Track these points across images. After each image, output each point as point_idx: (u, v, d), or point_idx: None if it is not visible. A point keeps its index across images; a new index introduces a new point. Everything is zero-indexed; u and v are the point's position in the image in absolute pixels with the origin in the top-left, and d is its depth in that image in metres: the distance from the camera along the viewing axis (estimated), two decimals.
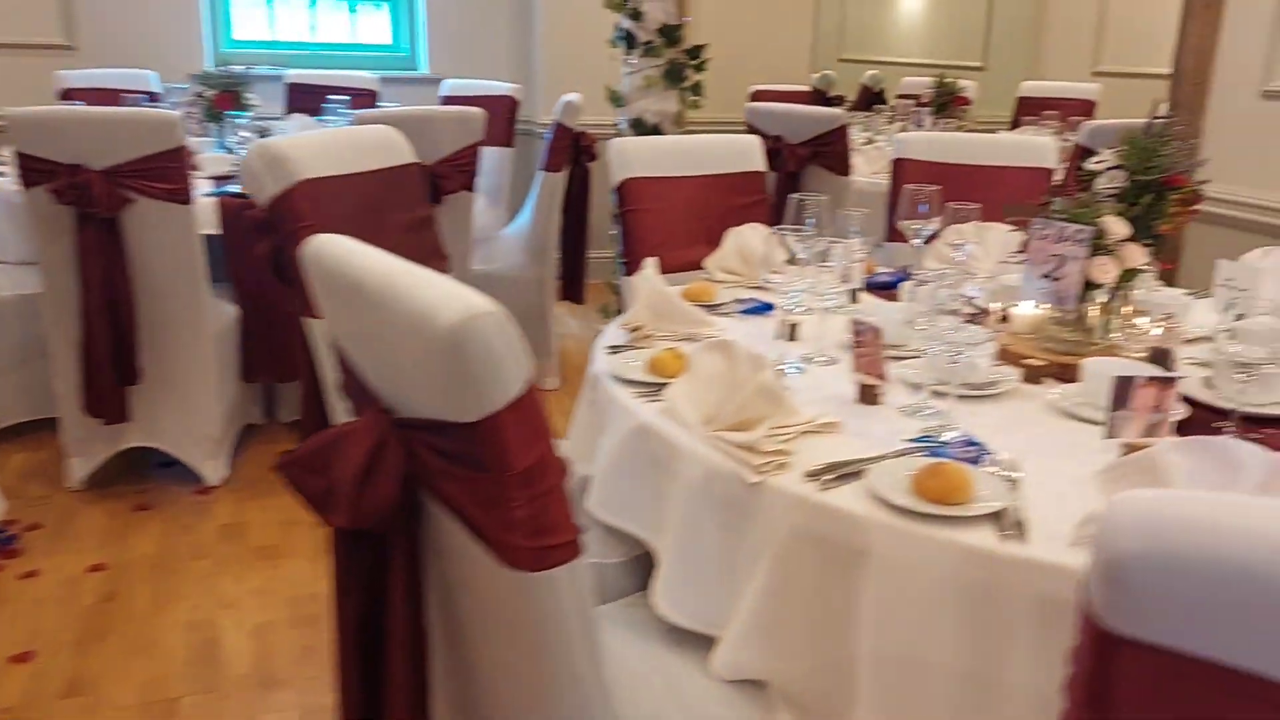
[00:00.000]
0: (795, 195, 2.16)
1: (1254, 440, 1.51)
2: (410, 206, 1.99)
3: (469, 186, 3.18)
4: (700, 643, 1.48)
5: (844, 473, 1.36)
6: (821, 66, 7.40)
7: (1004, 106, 6.57)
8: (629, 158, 2.56)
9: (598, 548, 1.79)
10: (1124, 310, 1.85)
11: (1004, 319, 2.04)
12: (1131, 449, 1.41)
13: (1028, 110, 6.07)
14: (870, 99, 7.96)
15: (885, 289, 2.36)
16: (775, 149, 4.14)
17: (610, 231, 3.13)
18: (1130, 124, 4.29)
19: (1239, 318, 1.58)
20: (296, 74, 4.84)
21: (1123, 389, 1.39)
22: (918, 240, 2.40)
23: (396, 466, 1.11)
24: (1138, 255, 1.76)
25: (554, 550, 1.09)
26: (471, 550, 1.11)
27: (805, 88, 6.31)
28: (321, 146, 1.85)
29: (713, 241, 2.69)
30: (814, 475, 1.36)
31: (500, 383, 1.00)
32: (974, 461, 1.41)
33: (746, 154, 2.76)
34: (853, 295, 2.32)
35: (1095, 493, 1.22)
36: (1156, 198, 1.76)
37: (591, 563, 1.84)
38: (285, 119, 4.55)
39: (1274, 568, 0.54)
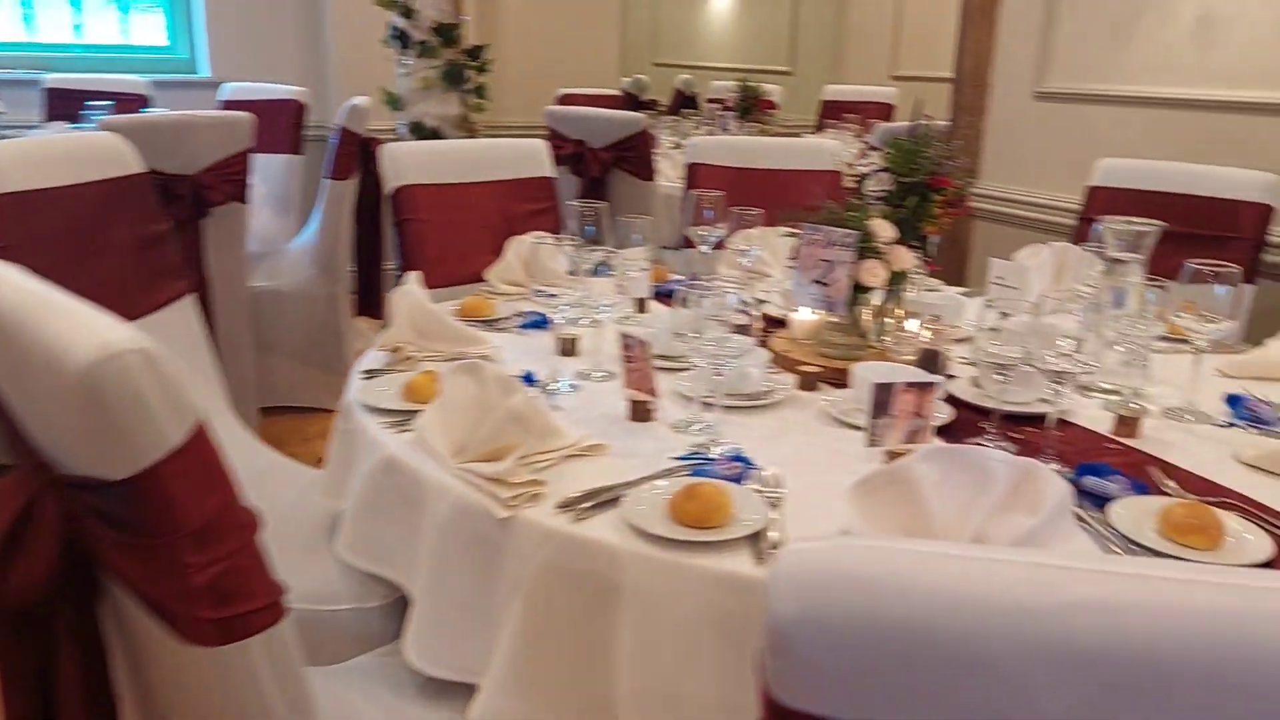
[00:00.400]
0: (574, 202, 2.07)
1: (1015, 439, 1.52)
2: (138, 222, 1.78)
3: (239, 197, 2.95)
4: (462, 692, 1.35)
5: (600, 500, 1.27)
6: (634, 71, 7.40)
7: (810, 110, 6.73)
8: (403, 164, 2.41)
9: (357, 590, 1.64)
10: (897, 313, 1.84)
11: (782, 325, 2.01)
12: (893, 456, 1.37)
13: (831, 114, 6.22)
14: (683, 103, 8.03)
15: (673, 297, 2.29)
16: (578, 154, 4.06)
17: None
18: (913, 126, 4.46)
19: (1003, 316, 1.57)
20: (56, 78, 4.43)
21: (882, 395, 1.36)
22: (705, 247, 2.35)
23: (52, 533, 0.94)
24: (906, 257, 1.75)
25: (245, 619, 0.94)
26: (154, 624, 0.95)
27: (615, 92, 6.27)
28: (23, 156, 1.63)
29: (501, 252, 2.57)
30: (567, 505, 1.26)
31: (154, 431, 0.85)
32: (738, 479, 1.35)
33: (534, 158, 2.66)
34: (640, 305, 2.25)
35: (849, 508, 1.17)
36: (922, 199, 1.76)
37: (350, 609, 1.71)
38: (43, 126, 4.15)
39: (941, 625, 0.47)
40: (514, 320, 2.07)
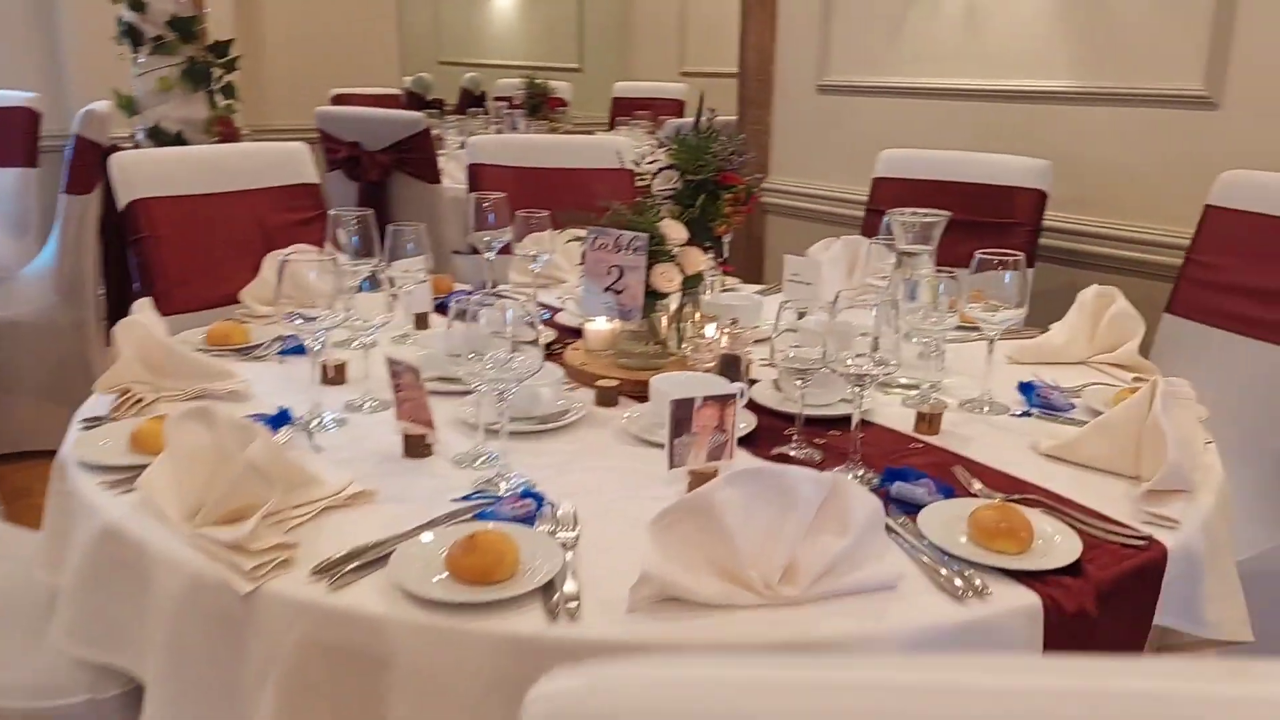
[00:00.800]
0: (333, 211, 1.86)
1: (819, 444, 1.44)
2: None
3: None
4: None
5: (363, 561, 1.09)
6: (418, 70, 7.12)
7: (601, 107, 6.66)
8: (134, 174, 2.12)
9: (92, 678, 1.38)
10: (694, 318, 1.74)
11: (579, 335, 1.87)
12: (697, 477, 1.26)
13: (622, 111, 6.17)
14: (471, 102, 7.80)
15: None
16: (353, 157, 3.80)
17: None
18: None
19: (801, 315, 1.49)
20: None
21: (681, 413, 1.24)
22: (489, 253, 2.19)
23: None
24: (699, 259, 1.64)
25: None
26: None
27: (396, 91, 5.98)
28: None
29: (255, 269, 2.31)
30: (324, 570, 1.07)
31: None
32: (529, 519, 1.20)
33: (293, 163, 2.41)
34: (420, 321, 2.06)
35: (649, 546, 1.04)
36: (711, 197, 1.66)
37: (84, 700, 1.45)
38: None
39: None
40: (271, 346, 1.84)
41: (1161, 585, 1.17)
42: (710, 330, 1.69)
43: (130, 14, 2.37)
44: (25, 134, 3.80)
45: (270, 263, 2.04)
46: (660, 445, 1.40)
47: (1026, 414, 1.58)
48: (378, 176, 3.78)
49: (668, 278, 1.62)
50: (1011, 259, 1.54)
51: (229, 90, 2.53)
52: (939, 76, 2.96)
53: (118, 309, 3.53)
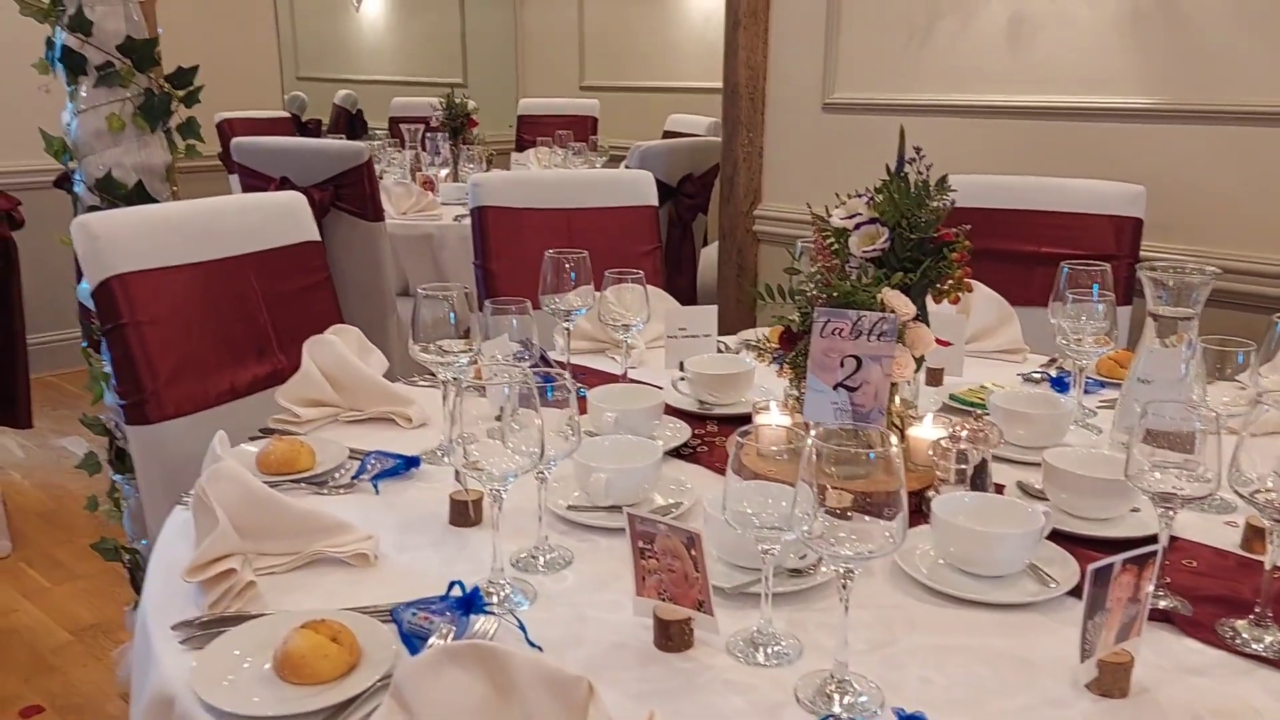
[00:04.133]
0: (421, 290, 1.42)
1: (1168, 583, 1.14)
2: None
3: None
4: None
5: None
6: (286, 87, 6.47)
7: (496, 125, 6.20)
8: (111, 244, 1.61)
9: None
10: (903, 414, 1.40)
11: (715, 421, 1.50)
12: (1109, 672, 0.93)
13: (528, 129, 5.75)
14: (349, 121, 7.18)
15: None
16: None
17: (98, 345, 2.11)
18: (676, 144, 4.10)
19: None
20: None
21: (1100, 584, 0.90)
22: (569, 323, 1.79)
23: None
24: (928, 338, 1.31)
25: None
26: None
27: (283, 114, 5.37)
28: None
29: (263, 351, 1.83)
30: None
31: None
32: None
33: (294, 217, 1.93)
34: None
35: None
36: (936, 257, 1.33)
37: None
38: None
39: None
40: (347, 469, 1.39)
41: None
42: (930, 427, 1.35)
43: (68, 37, 1.81)
44: None
45: (315, 351, 1.57)
46: (994, 605, 1.07)
47: None
48: (314, 216, 3.25)
49: (901, 364, 1.28)
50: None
51: (192, 128, 2.02)
52: (977, 93, 2.73)
53: (3, 396, 2.90)
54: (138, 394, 1.63)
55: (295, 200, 1.95)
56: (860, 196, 1.38)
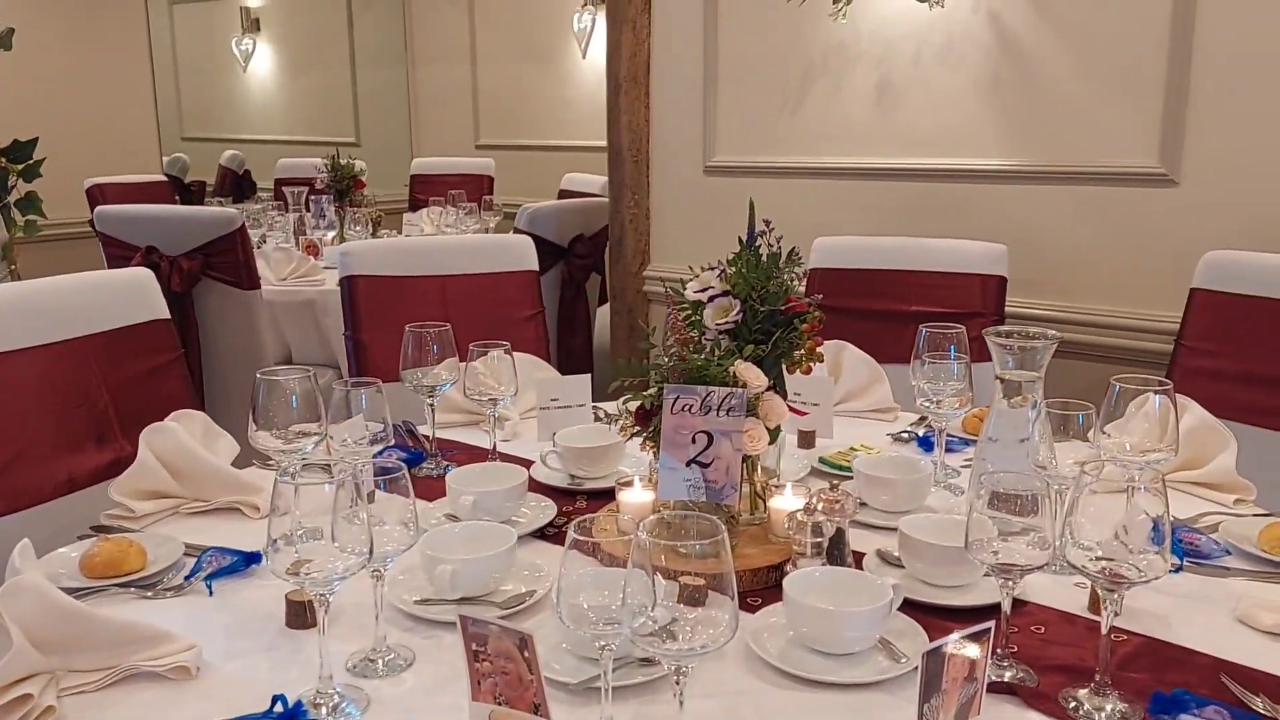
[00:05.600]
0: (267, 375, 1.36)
1: (1010, 649, 1.13)
2: None
3: None
4: None
5: None
6: (168, 148, 6.29)
7: (390, 184, 6.12)
8: None
9: None
10: (765, 484, 1.39)
11: (583, 497, 1.47)
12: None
13: (422, 188, 5.69)
14: (235, 183, 7.02)
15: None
16: (150, 264, 3.15)
17: None
18: (566, 205, 4.08)
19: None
20: None
21: (934, 667, 0.89)
22: (434, 399, 1.73)
23: None
24: (782, 410, 1.30)
25: None
26: None
27: (159, 177, 5.20)
28: None
29: (104, 438, 1.73)
30: None
31: None
32: None
33: (140, 294, 1.84)
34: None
35: None
36: (787, 329, 1.32)
37: None
38: None
39: None
40: (180, 569, 1.31)
41: None
42: (790, 497, 1.34)
43: None
44: None
45: (153, 440, 1.49)
46: (844, 685, 1.05)
47: (1178, 569, 1.34)
48: (182, 286, 3.15)
49: (753, 437, 1.26)
50: (1164, 385, 1.30)
51: (32, 204, 1.91)
52: (848, 155, 2.79)
53: None
54: None
55: (141, 276, 1.86)
56: (712, 269, 1.38)
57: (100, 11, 5.07)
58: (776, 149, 2.92)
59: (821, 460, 1.69)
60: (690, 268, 1.46)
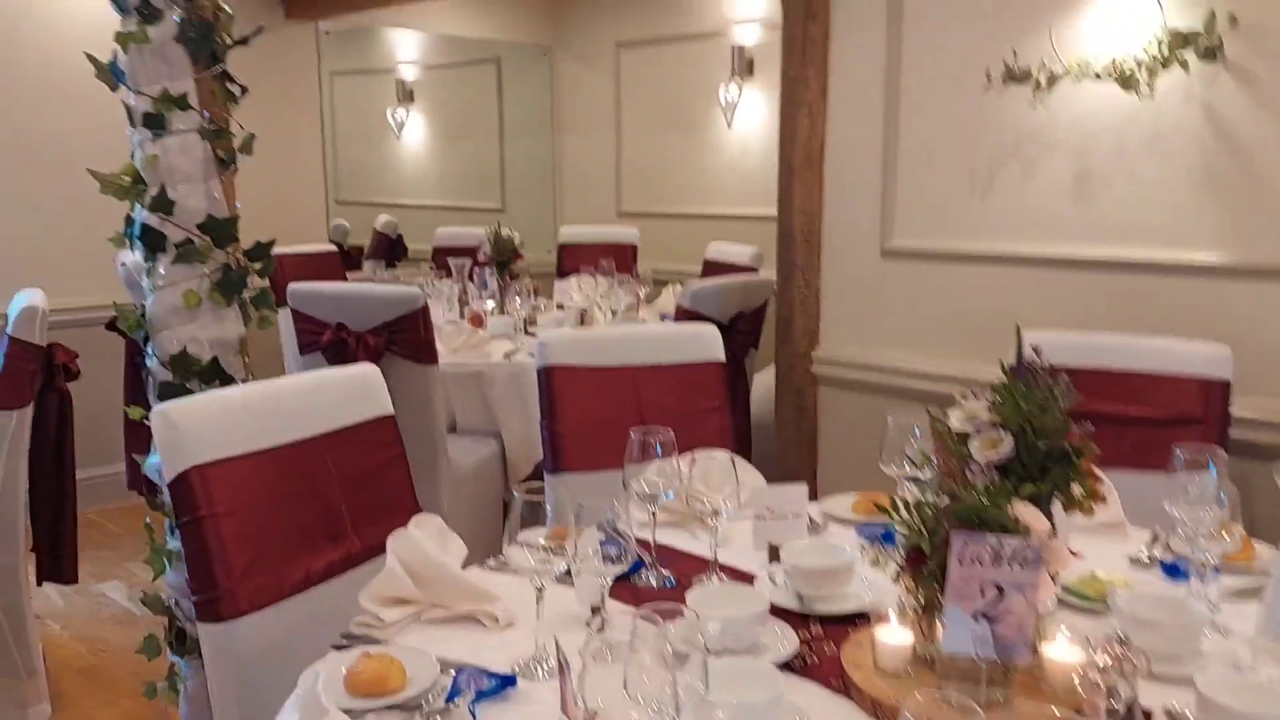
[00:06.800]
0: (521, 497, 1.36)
1: None
2: None
3: None
4: None
5: None
6: (330, 213, 6.57)
7: (534, 249, 6.24)
8: (192, 432, 1.57)
9: None
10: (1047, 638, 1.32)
11: (825, 624, 1.41)
12: None
13: (571, 257, 5.78)
14: (389, 247, 7.26)
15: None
16: (339, 340, 3.27)
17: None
18: (728, 283, 4.08)
19: None
20: None
21: None
22: (655, 505, 1.72)
23: None
24: (1064, 555, 1.23)
25: None
26: None
27: (329, 247, 5.42)
28: None
29: (337, 536, 1.77)
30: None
31: None
32: None
33: (364, 390, 1.90)
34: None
35: None
36: (1065, 466, 1.26)
37: None
38: None
39: None
40: (439, 690, 1.31)
41: None
42: (1066, 646, 1.26)
43: (149, 216, 1.81)
44: None
45: (398, 547, 1.51)
46: None
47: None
48: (368, 360, 3.24)
49: (1043, 589, 1.19)
50: None
51: (266, 299, 2.00)
52: (1043, 244, 2.70)
53: (49, 540, 2.84)
54: (212, 590, 1.57)
55: (368, 374, 1.91)
56: (977, 399, 1.33)
57: (280, 86, 5.35)
58: (961, 234, 2.85)
59: (1065, 589, 1.61)
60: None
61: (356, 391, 1.87)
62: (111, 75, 1.88)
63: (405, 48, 7.57)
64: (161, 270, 1.88)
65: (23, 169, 4.24)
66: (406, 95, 7.58)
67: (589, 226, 5.99)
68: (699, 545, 1.83)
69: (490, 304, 4.42)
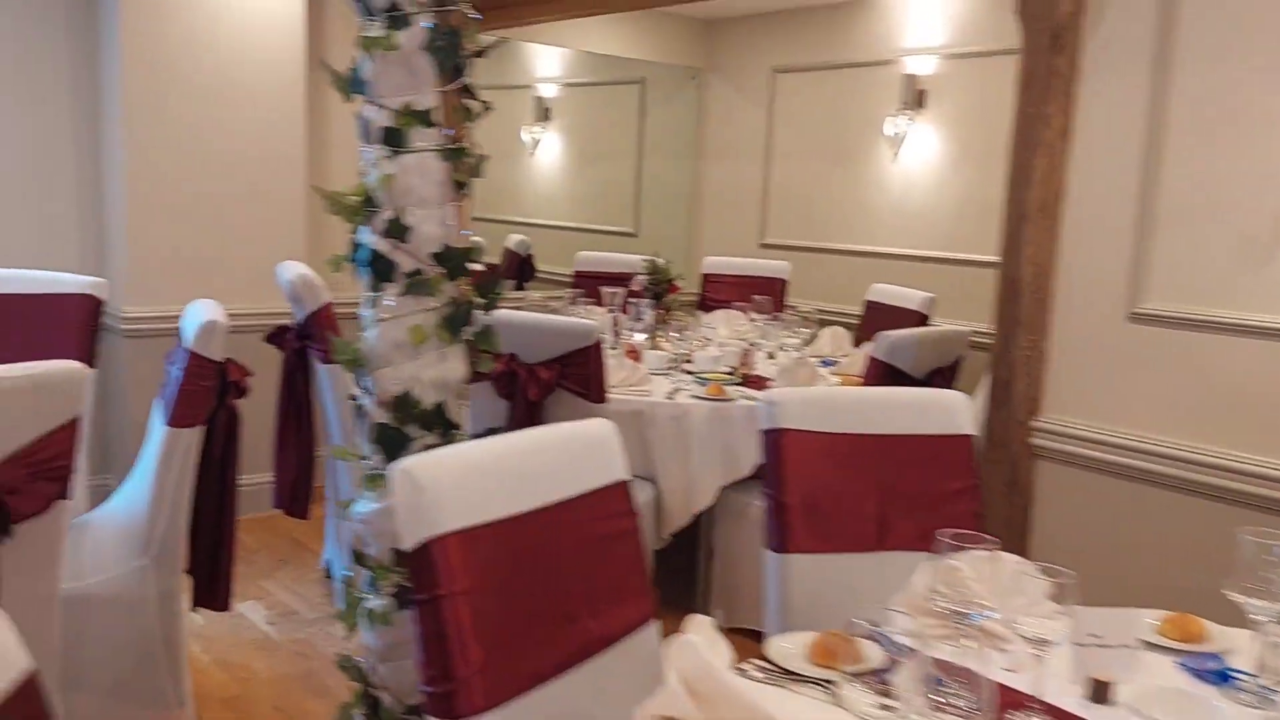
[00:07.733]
0: None
1: None
2: None
3: (62, 493, 1.73)
4: None
5: None
6: None
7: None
8: (433, 499, 1.32)
9: None
10: None
11: None
12: None
13: (714, 289, 5.53)
14: (520, 266, 7.11)
15: None
16: (509, 372, 3.06)
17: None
18: (924, 334, 3.78)
19: None
20: None
21: None
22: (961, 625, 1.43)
23: None
24: None
25: None
26: None
27: (496, 261, 5.26)
28: None
29: (572, 618, 1.53)
30: None
31: None
32: None
33: (601, 450, 1.65)
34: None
35: None
36: None
37: None
38: None
39: None
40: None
41: None
42: None
43: (380, 241, 1.61)
44: (84, 325, 3.03)
45: (680, 660, 1.25)
46: None
47: None
48: (538, 395, 3.03)
49: None
50: None
51: (489, 337, 1.78)
52: None
53: (206, 564, 2.67)
54: (447, 683, 1.33)
55: (604, 432, 1.67)
56: None
57: None
58: (1235, 303, 2.51)
59: None
60: None
61: (594, 451, 1.63)
62: (348, 85, 1.69)
63: (545, 64, 7.45)
64: (387, 301, 1.67)
65: (184, 176, 4.15)
66: (543, 113, 7.45)
67: (732, 258, 5.71)
68: (973, 660, 1.53)
69: (641, 337, 4.19)
